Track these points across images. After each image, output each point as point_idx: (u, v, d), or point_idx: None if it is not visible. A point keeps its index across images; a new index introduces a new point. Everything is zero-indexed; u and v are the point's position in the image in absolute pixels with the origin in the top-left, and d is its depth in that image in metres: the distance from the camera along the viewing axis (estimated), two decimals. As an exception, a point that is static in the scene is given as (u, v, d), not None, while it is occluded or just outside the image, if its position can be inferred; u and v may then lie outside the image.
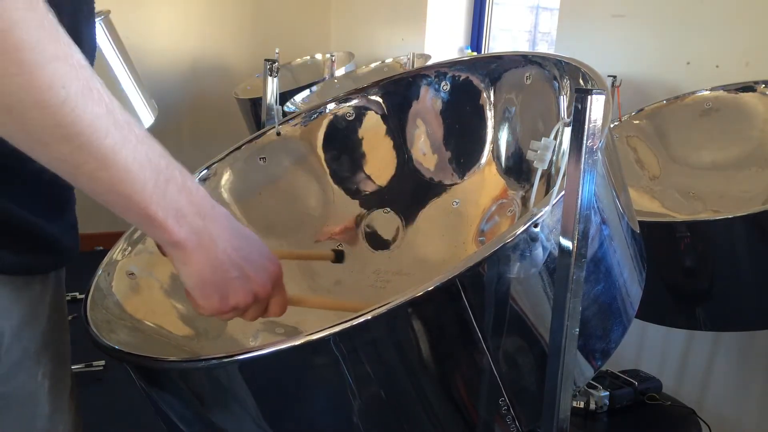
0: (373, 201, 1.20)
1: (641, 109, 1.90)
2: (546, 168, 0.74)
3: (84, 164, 0.53)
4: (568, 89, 0.97)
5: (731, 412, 1.88)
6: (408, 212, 1.18)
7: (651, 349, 2.07)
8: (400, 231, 1.18)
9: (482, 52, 3.31)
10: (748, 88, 1.72)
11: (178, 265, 0.64)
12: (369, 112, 1.21)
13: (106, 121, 0.53)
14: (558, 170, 0.77)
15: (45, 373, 0.74)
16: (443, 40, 3.38)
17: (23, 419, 0.73)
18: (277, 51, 2.82)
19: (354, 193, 1.21)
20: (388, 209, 1.19)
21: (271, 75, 1.89)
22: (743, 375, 1.87)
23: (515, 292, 0.69)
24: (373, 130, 1.21)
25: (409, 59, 2.83)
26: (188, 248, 0.62)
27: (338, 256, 1.01)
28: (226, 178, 1.15)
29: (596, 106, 0.63)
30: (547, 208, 0.68)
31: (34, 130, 0.51)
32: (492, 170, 1.12)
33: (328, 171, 1.22)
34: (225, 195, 1.15)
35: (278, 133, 1.21)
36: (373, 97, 1.21)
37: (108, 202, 0.58)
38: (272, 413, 0.72)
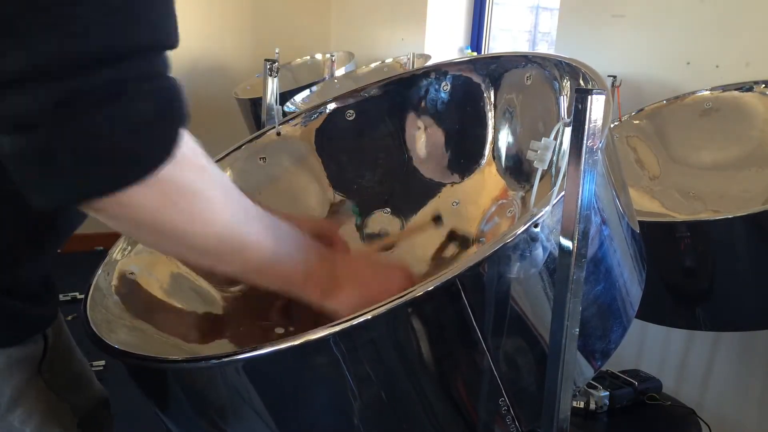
0: (373, 201, 1.20)
1: (641, 109, 1.90)
2: (546, 168, 0.74)
3: (252, 271, 0.68)
4: (569, 89, 0.97)
5: (731, 412, 1.88)
6: (408, 212, 1.18)
7: (651, 349, 2.07)
8: (400, 231, 1.18)
9: (482, 52, 3.31)
10: (748, 88, 1.72)
11: (334, 310, 0.73)
12: (369, 112, 1.21)
13: (264, 234, 0.66)
14: (558, 170, 0.77)
15: (23, 420, 0.74)
16: (443, 40, 3.38)
17: None
18: (277, 51, 2.83)
19: (354, 193, 1.21)
20: (388, 209, 1.19)
21: (271, 75, 1.89)
22: (743, 375, 1.87)
23: (515, 293, 0.69)
24: (373, 130, 1.21)
25: (409, 59, 2.83)
26: (332, 294, 0.72)
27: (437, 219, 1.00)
28: (226, 178, 1.15)
29: (596, 106, 0.63)
30: (547, 209, 0.68)
31: (215, 257, 0.64)
32: (492, 170, 1.12)
33: (327, 171, 1.22)
34: (225, 195, 1.15)
35: (278, 133, 1.21)
36: (373, 97, 1.20)
37: (273, 288, 0.73)
38: (271, 413, 0.72)
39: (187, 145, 0.55)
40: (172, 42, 0.55)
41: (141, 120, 0.51)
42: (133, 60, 0.51)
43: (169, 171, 0.53)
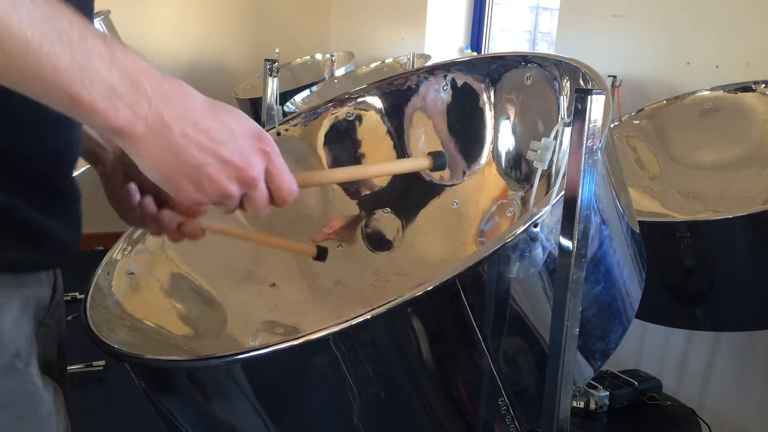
0: (373, 201, 1.20)
1: (641, 109, 1.90)
2: (546, 168, 0.74)
3: None
4: (568, 89, 0.97)
5: (731, 412, 1.88)
6: (408, 212, 1.18)
7: (651, 349, 2.07)
8: (400, 231, 1.18)
9: (482, 52, 3.30)
10: (748, 88, 1.72)
11: (131, 155, 0.56)
12: (369, 112, 1.21)
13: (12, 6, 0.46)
14: (558, 170, 0.77)
15: (39, 374, 0.69)
16: (443, 40, 3.38)
17: (22, 420, 0.68)
18: (277, 51, 2.83)
19: (354, 193, 1.21)
20: (388, 209, 1.19)
21: (271, 75, 1.89)
22: (743, 375, 1.87)
23: (515, 292, 0.69)
24: (373, 130, 1.21)
25: (409, 59, 2.83)
26: (135, 135, 0.53)
27: (320, 254, 0.82)
28: (226, 178, 1.15)
29: (596, 106, 0.63)
30: (547, 208, 0.68)
31: None
32: (492, 170, 1.12)
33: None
34: (225, 195, 1.15)
35: (278, 133, 1.21)
36: (373, 98, 1.20)
37: (24, 89, 0.50)
38: (271, 413, 0.72)
39: None
40: None
41: None
42: None
43: None
